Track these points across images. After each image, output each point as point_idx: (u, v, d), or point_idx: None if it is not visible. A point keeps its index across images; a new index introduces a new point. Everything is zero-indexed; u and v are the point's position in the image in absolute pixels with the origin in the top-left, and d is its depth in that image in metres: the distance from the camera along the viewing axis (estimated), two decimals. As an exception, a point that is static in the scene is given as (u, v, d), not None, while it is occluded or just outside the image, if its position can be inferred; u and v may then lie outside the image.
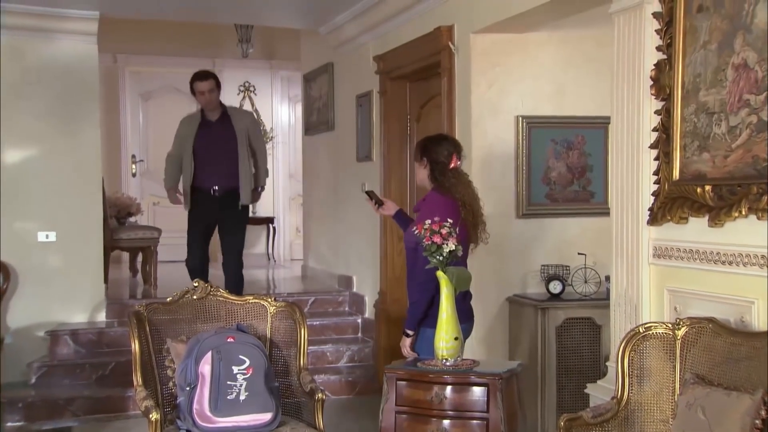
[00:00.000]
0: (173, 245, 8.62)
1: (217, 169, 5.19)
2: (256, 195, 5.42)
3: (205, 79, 5.14)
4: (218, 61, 9.29)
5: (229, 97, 9.35)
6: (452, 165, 3.38)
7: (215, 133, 5.19)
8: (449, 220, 3.12)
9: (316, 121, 7.05)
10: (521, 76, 4.41)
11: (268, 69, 9.44)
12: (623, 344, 2.75)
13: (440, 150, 3.40)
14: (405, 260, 3.51)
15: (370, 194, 3.65)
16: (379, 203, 3.64)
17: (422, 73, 5.25)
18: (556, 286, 4.24)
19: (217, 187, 5.18)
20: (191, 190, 5.20)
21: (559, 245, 4.43)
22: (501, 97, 4.40)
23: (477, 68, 4.39)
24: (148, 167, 9.28)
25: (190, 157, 5.18)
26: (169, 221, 8.78)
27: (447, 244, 3.03)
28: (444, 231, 3.05)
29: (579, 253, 4.29)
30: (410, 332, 3.36)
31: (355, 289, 6.28)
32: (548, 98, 4.44)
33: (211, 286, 3.42)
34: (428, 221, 3.09)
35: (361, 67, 5.99)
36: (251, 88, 9.46)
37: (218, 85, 5.18)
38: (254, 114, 5.43)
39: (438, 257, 3.05)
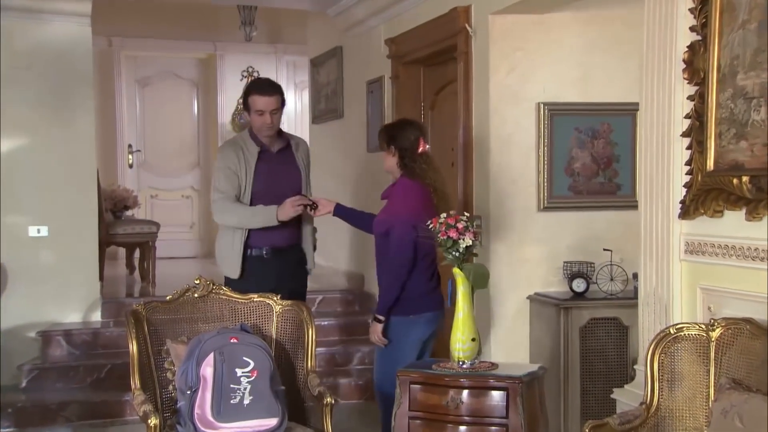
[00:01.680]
0: (172, 240, 8.68)
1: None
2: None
3: (268, 94, 3.82)
4: (220, 45, 9.30)
5: (231, 83, 9.40)
6: (420, 149, 3.50)
7: (277, 171, 3.94)
8: (466, 213, 3.12)
9: (324, 108, 7.05)
10: (543, 60, 4.40)
11: (272, 53, 9.45)
12: (653, 346, 2.74)
13: (407, 135, 3.56)
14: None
15: (303, 203, 3.83)
16: (313, 207, 3.84)
17: (437, 58, 5.24)
18: (579, 285, 4.23)
19: (271, 246, 3.92)
20: (245, 254, 3.92)
21: (584, 240, 4.42)
22: (521, 83, 4.39)
23: (496, 52, 4.38)
24: (146, 158, 9.31)
25: (246, 203, 3.90)
26: (167, 215, 8.83)
27: (464, 239, 3.03)
28: (460, 225, 3.05)
29: (605, 249, 4.27)
30: (381, 318, 3.53)
31: (365, 288, 6.28)
32: (572, 84, 4.43)
33: (213, 284, 3.43)
34: (444, 215, 3.09)
35: (371, 51, 5.98)
36: (255, 74, 9.46)
37: (283, 103, 3.90)
38: (305, 141, 4.25)
39: (454, 253, 3.04)
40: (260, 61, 9.41)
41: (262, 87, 3.88)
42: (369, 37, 6.04)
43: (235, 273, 3.88)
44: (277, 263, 3.92)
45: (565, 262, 4.34)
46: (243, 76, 9.42)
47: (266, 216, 3.83)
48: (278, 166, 3.95)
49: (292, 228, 3.96)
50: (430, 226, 3.12)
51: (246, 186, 3.88)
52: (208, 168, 9.46)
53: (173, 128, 9.36)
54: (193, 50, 9.36)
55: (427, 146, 3.52)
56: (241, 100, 9.38)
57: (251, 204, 3.89)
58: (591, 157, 4.48)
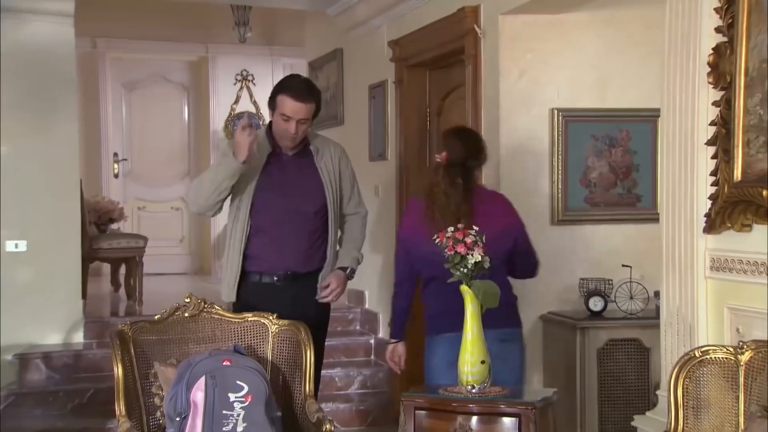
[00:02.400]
0: (161, 255, 8.69)
1: (287, 240, 3.62)
2: (351, 272, 3.83)
3: (302, 99, 3.47)
4: (212, 47, 9.34)
5: (224, 87, 9.42)
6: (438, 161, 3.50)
7: (288, 179, 3.62)
8: (475, 227, 3.11)
9: (324, 114, 7.02)
10: (557, 63, 4.40)
11: (268, 56, 9.48)
12: (676, 370, 2.72)
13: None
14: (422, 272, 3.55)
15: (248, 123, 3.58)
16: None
17: (444, 61, 5.25)
18: (597, 303, 4.21)
19: (286, 272, 3.63)
20: (240, 277, 3.63)
21: (601, 256, 4.41)
22: (534, 88, 4.39)
23: (506, 54, 4.38)
24: (132, 167, 9.33)
25: (245, 214, 3.60)
26: (156, 228, 8.84)
27: (472, 255, 3.02)
28: (469, 240, 3.04)
29: (623, 265, 4.26)
30: (390, 339, 3.61)
31: (367, 306, 6.27)
32: (588, 88, 4.43)
33: (205, 302, 3.42)
34: (451, 229, 3.07)
35: (374, 54, 5.99)
36: (249, 78, 9.50)
37: (317, 114, 3.58)
38: (341, 147, 3.86)
39: (462, 269, 3.03)
40: (255, 64, 9.45)
41: (296, 89, 3.48)
42: (371, 38, 6.06)
43: (230, 296, 3.63)
44: (292, 292, 3.62)
45: (581, 279, 4.33)
46: (236, 79, 9.45)
47: (226, 164, 3.45)
48: (290, 173, 3.60)
49: (314, 249, 3.67)
50: (437, 240, 3.11)
51: (248, 192, 3.55)
52: (198, 178, 9.46)
53: (162, 135, 9.39)
54: (183, 52, 9.40)
55: (438, 156, 3.49)
56: (235, 106, 9.56)
57: (251, 226, 3.58)
58: (608, 166, 4.47)
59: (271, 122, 3.63)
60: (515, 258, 3.47)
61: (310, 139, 3.67)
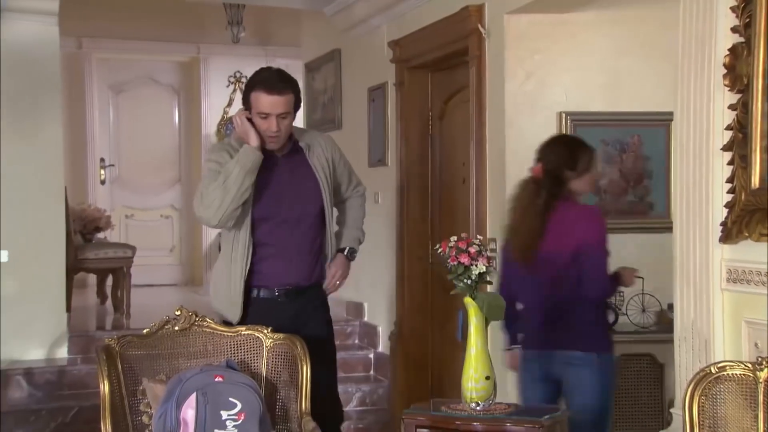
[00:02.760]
0: (150, 266, 8.69)
1: (288, 251, 3.53)
2: (351, 252, 3.76)
3: (276, 91, 3.35)
4: (204, 47, 9.36)
5: (216, 89, 9.43)
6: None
7: (285, 182, 3.51)
8: (479, 236, 3.12)
9: (321, 118, 7.07)
10: (565, 64, 4.40)
11: (262, 57, 9.49)
12: (691, 387, 2.71)
13: None
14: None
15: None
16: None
17: (447, 62, 5.26)
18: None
19: (287, 286, 3.54)
20: (247, 293, 3.53)
21: (612, 266, 4.39)
22: (541, 90, 4.40)
23: (512, 55, 4.39)
24: (120, 173, 9.34)
25: (247, 226, 3.47)
26: (145, 237, 8.84)
27: (476, 265, 3.02)
28: (473, 249, 3.04)
29: (635, 276, 4.25)
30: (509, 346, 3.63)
31: (366, 319, 6.27)
32: (598, 91, 4.44)
33: (196, 315, 3.42)
34: (454, 237, 3.08)
35: (374, 55, 6.00)
36: (243, 79, 9.48)
37: (297, 105, 3.45)
38: (327, 135, 3.87)
39: (465, 280, 3.03)
40: (249, 65, 9.36)
41: (268, 82, 3.35)
42: (370, 38, 6.07)
43: (234, 315, 3.50)
44: (294, 307, 3.54)
45: (591, 291, 4.32)
46: (229, 81, 9.47)
47: (242, 159, 3.35)
48: (284, 177, 3.49)
49: (316, 257, 3.58)
50: (440, 251, 3.11)
51: (247, 202, 3.42)
52: (190, 184, 9.48)
53: (151, 140, 9.40)
54: (173, 53, 9.41)
55: (531, 168, 3.53)
56: (228, 109, 9.57)
57: (255, 232, 3.46)
58: (619, 173, 4.48)
59: None
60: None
61: (297, 135, 3.55)
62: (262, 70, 3.52)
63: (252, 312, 3.52)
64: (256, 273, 3.50)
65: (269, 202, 3.47)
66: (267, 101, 3.36)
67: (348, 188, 3.77)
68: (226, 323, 3.53)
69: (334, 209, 3.70)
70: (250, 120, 3.41)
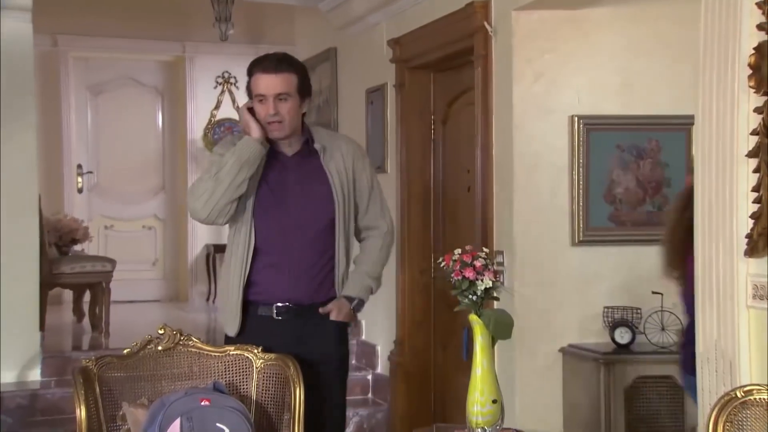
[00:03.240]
0: (131, 281, 8.68)
1: (289, 263, 3.40)
2: (358, 305, 3.50)
3: (272, 71, 3.31)
4: (189, 46, 9.37)
5: (203, 91, 9.43)
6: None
7: (291, 185, 3.40)
8: (485, 249, 3.11)
9: (315, 121, 7.06)
10: (578, 64, 4.41)
11: (253, 56, 9.31)
12: (715, 413, 2.70)
13: None
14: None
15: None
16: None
17: (450, 62, 5.27)
18: (624, 335, 4.21)
19: (287, 303, 3.40)
20: (245, 310, 3.42)
21: (628, 281, 4.40)
22: (551, 92, 4.41)
23: (520, 55, 4.39)
24: (99, 181, 9.33)
25: (247, 230, 3.38)
26: (125, 250, 8.83)
27: (482, 280, 3.02)
28: (478, 263, 3.03)
29: (653, 292, 4.25)
30: None
31: (363, 337, 6.26)
32: (612, 92, 4.44)
33: (181, 334, 3.41)
34: (458, 250, 3.07)
35: (372, 54, 6.01)
36: (232, 80, 9.53)
37: (303, 89, 3.36)
38: (357, 143, 3.63)
39: (470, 296, 3.03)
40: (238, 64, 9.40)
41: (265, 61, 3.32)
42: (369, 36, 6.07)
43: (231, 328, 3.44)
44: (296, 328, 3.40)
45: (605, 308, 4.32)
46: (217, 82, 9.48)
47: (239, 149, 3.26)
48: (291, 179, 3.38)
49: (323, 275, 3.43)
50: (442, 264, 3.11)
51: (247, 201, 3.34)
52: (174, 193, 9.48)
53: (133, 145, 9.40)
54: (157, 51, 9.43)
55: (687, 178, 3.56)
56: (215, 112, 9.57)
57: (255, 238, 3.36)
58: (636, 180, 4.48)
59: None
60: None
61: (314, 135, 3.43)
62: (260, 55, 3.50)
63: (249, 329, 3.43)
64: (253, 285, 3.39)
65: (270, 204, 3.36)
66: (262, 81, 3.31)
67: (367, 215, 3.52)
68: (229, 339, 3.48)
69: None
70: (251, 111, 3.35)
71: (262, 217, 3.36)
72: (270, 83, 3.29)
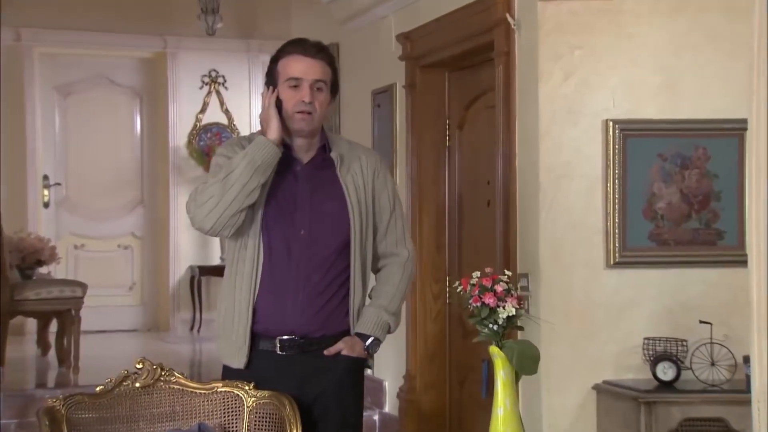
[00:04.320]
0: (104, 307, 8.69)
1: (294, 288, 3.32)
2: (374, 345, 3.42)
3: (311, 55, 3.32)
4: (172, 41, 9.39)
5: (188, 92, 9.45)
6: None
7: (302, 198, 3.35)
8: (507, 272, 3.11)
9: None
10: (613, 62, 4.42)
11: (244, 52, 9.55)
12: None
13: None
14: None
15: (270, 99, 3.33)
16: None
17: (468, 59, 5.29)
18: (667, 371, 4.19)
19: (292, 336, 3.32)
20: (251, 340, 3.34)
21: (672, 309, 4.39)
22: (583, 93, 4.41)
23: (548, 51, 4.40)
24: (68, 194, 9.36)
25: (255, 246, 3.32)
26: (98, 272, 8.84)
27: (504, 307, 3.02)
28: (499, 288, 3.04)
29: (701, 322, 4.25)
30: None
31: (370, 371, 6.25)
32: (653, 94, 4.44)
33: (162, 369, 3.42)
34: (477, 273, 3.08)
35: (379, 51, 6.03)
36: (220, 80, 9.55)
37: (335, 85, 3.40)
38: (379, 155, 3.64)
39: (491, 325, 3.03)
40: (228, 61, 9.51)
41: (302, 44, 3.32)
42: (376, 31, 6.10)
43: (237, 360, 3.36)
44: (302, 366, 3.34)
45: (645, 339, 4.31)
46: (203, 82, 9.51)
47: (252, 151, 3.22)
48: (303, 191, 3.34)
49: (334, 303, 3.36)
50: (459, 289, 3.12)
51: (255, 212, 3.28)
52: (155, 207, 9.50)
53: (107, 153, 9.43)
54: (135, 47, 9.46)
55: None
56: (201, 116, 9.60)
57: (263, 252, 3.31)
58: (680, 194, 4.47)
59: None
60: None
61: (331, 143, 3.41)
62: (294, 38, 3.47)
63: (254, 365, 3.34)
64: (257, 313, 3.32)
65: (276, 218, 3.31)
66: (301, 64, 3.29)
67: (386, 238, 3.47)
68: (229, 371, 3.41)
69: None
70: (276, 105, 3.28)
71: (271, 226, 3.31)
72: (310, 67, 3.29)
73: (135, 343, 8.51)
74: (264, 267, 3.32)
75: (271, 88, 3.31)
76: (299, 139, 3.33)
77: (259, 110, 3.43)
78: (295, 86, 3.27)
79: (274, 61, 3.35)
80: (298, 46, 3.33)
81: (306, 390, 3.31)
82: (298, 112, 3.27)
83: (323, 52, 3.33)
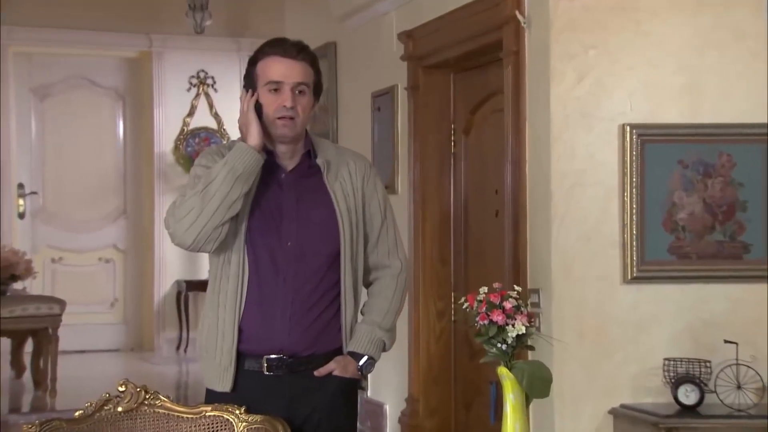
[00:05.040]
0: (84, 326, 8.69)
1: (283, 305, 3.33)
2: (368, 365, 3.41)
3: (291, 56, 3.31)
4: (158, 39, 9.41)
5: (174, 94, 9.46)
6: None
7: (287, 208, 3.36)
8: (516, 287, 3.13)
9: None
10: (630, 62, 4.43)
11: (234, 51, 9.56)
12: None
13: None
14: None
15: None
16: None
17: (474, 60, 5.30)
18: (689, 394, 4.19)
19: (280, 355, 3.32)
20: (237, 360, 3.33)
21: (694, 328, 4.40)
22: (598, 96, 4.42)
23: (560, 51, 4.41)
24: (45, 204, 9.36)
25: (239, 261, 3.33)
26: (77, 288, 8.84)
27: (513, 325, 3.03)
28: (508, 304, 3.05)
29: (726, 342, 4.25)
30: None
31: (369, 394, 6.26)
32: (674, 96, 4.45)
33: (146, 392, 3.43)
34: (484, 288, 3.09)
35: (379, 51, 6.05)
36: (209, 81, 9.57)
37: (318, 87, 3.39)
38: (367, 160, 3.61)
39: (499, 345, 3.04)
40: (217, 61, 9.52)
41: (282, 45, 3.31)
42: (376, 29, 6.11)
43: (222, 383, 3.34)
44: (290, 387, 3.32)
45: (666, 360, 4.31)
46: (191, 84, 9.52)
47: (233, 159, 3.21)
48: (288, 200, 3.34)
49: (324, 319, 3.36)
50: (465, 306, 3.13)
51: (239, 224, 3.28)
52: (138, 218, 9.52)
53: (87, 160, 9.44)
54: (117, 46, 9.48)
55: None
56: (189, 119, 9.61)
57: (248, 267, 3.31)
58: (703, 204, 4.48)
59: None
60: None
61: (317, 148, 3.42)
62: (273, 38, 3.43)
63: (240, 387, 3.33)
64: (243, 332, 3.31)
65: (260, 230, 3.31)
66: (281, 66, 3.28)
67: (377, 249, 3.47)
68: (213, 395, 3.39)
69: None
70: (256, 109, 3.28)
71: (251, 245, 3.31)
72: (290, 70, 3.28)
73: (117, 364, 8.51)
74: (249, 282, 3.31)
75: (250, 91, 3.31)
76: (282, 145, 3.32)
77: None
78: (276, 90, 3.27)
79: (252, 63, 3.34)
80: (277, 47, 3.31)
81: (295, 413, 3.28)
82: (280, 118, 3.26)
83: (304, 52, 3.31)
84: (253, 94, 3.29)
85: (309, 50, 3.34)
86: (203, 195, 3.19)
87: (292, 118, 3.26)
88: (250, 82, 3.32)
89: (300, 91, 3.28)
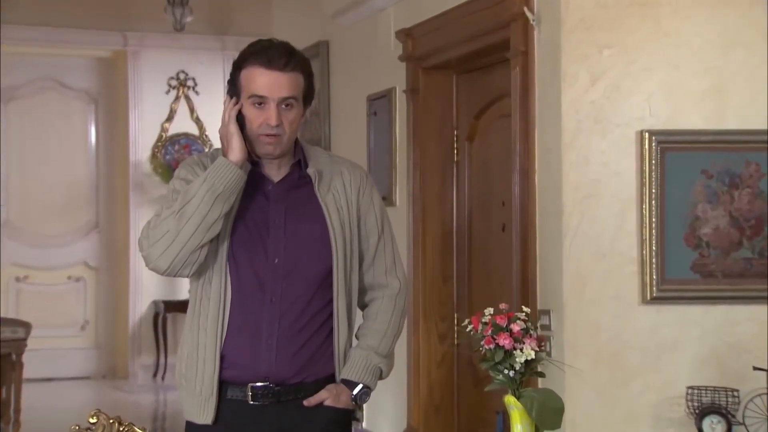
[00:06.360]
0: (51, 351, 8.67)
1: (269, 328, 3.30)
2: (363, 394, 3.38)
3: (277, 67, 3.23)
4: (133, 37, 9.41)
5: (152, 97, 9.47)
6: None
7: (274, 223, 3.33)
8: (525, 308, 3.13)
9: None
10: (649, 62, 4.44)
11: (218, 50, 9.57)
12: None
13: None
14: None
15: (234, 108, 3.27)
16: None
17: (478, 60, 5.32)
18: (715, 426, 4.20)
19: (266, 383, 3.28)
20: (219, 389, 3.29)
21: (720, 353, 4.41)
22: (613, 100, 4.43)
23: (572, 51, 4.43)
24: (9, 217, 9.36)
25: (221, 283, 3.30)
26: (44, 309, 8.83)
27: (522, 349, 3.04)
28: (516, 327, 3.06)
29: (756, 368, 4.26)
30: None
31: (364, 425, 6.26)
32: (696, 100, 4.46)
33: (120, 423, 3.43)
34: (490, 309, 3.10)
35: (375, 50, 6.06)
36: (189, 83, 9.58)
37: (308, 94, 3.32)
38: (363, 170, 3.56)
39: (506, 371, 3.05)
40: (198, 62, 9.53)
41: (267, 52, 3.22)
42: (372, 26, 6.13)
43: (203, 415, 3.29)
44: (278, 417, 3.29)
45: (689, 389, 4.32)
46: (170, 86, 9.53)
47: (212, 176, 3.16)
48: (276, 213, 3.31)
49: (315, 343, 3.33)
50: (469, 328, 3.14)
51: (220, 243, 3.25)
52: (112, 233, 9.51)
53: (56, 169, 9.44)
54: (89, 44, 9.48)
55: None
56: (167, 125, 9.62)
57: (230, 287, 3.27)
58: (729, 217, 4.48)
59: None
60: None
61: (308, 157, 3.39)
62: (259, 40, 3.33)
63: (222, 418, 3.28)
64: (225, 358, 3.28)
65: (244, 248, 3.28)
66: (265, 79, 3.20)
67: (374, 267, 3.45)
68: (193, 428, 3.34)
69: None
70: (238, 119, 3.23)
71: (234, 263, 3.27)
72: (276, 83, 3.21)
73: (87, 393, 8.50)
74: (232, 304, 3.27)
75: (233, 100, 3.26)
76: (265, 154, 3.27)
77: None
78: (260, 104, 3.21)
79: (237, 68, 3.28)
80: (261, 56, 3.21)
81: None
82: (264, 135, 3.22)
83: (293, 62, 3.23)
84: (237, 103, 3.23)
85: (298, 56, 3.27)
86: (179, 216, 3.15)
87: (277, 135, 3.22)
88: (234, 88, 3.27)
89: (287, 105, 3.22)
